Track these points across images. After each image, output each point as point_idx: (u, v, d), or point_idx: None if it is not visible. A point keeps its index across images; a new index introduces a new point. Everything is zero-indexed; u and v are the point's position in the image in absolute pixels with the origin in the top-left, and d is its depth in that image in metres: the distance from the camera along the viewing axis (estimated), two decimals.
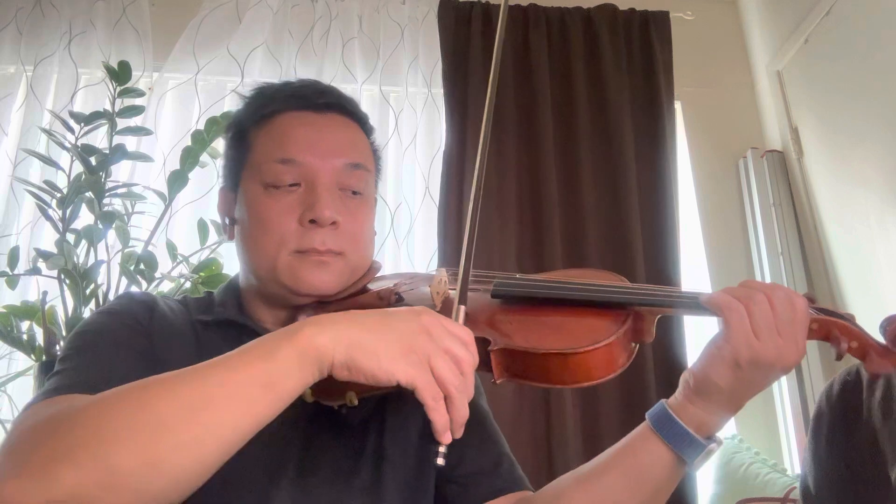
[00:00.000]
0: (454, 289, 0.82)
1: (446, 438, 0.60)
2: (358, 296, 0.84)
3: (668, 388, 0.73)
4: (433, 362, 0.59)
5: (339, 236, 0.81)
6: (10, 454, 0.55)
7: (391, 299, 0.83)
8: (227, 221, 0.89)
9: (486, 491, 0.82)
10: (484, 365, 0.72)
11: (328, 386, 0.75)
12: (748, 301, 0.67)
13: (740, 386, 0.68)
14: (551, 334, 0.72)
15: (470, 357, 0.61)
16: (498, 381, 0.72)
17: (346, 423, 0.79)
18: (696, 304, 0.72)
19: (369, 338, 0.60)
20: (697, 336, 2.11)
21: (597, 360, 0.69)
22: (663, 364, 2.01)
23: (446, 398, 0.59)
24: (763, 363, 0.66)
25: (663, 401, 0.72)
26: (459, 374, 0.60)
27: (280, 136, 0.84)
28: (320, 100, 0.87)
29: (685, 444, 0.69)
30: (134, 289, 1.57)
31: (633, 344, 0.74)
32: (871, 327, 0.71)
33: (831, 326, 0.70)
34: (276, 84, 0.91)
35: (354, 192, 0.85)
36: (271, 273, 0.81)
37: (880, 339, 0.69)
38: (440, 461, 0.61)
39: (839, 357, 0.70)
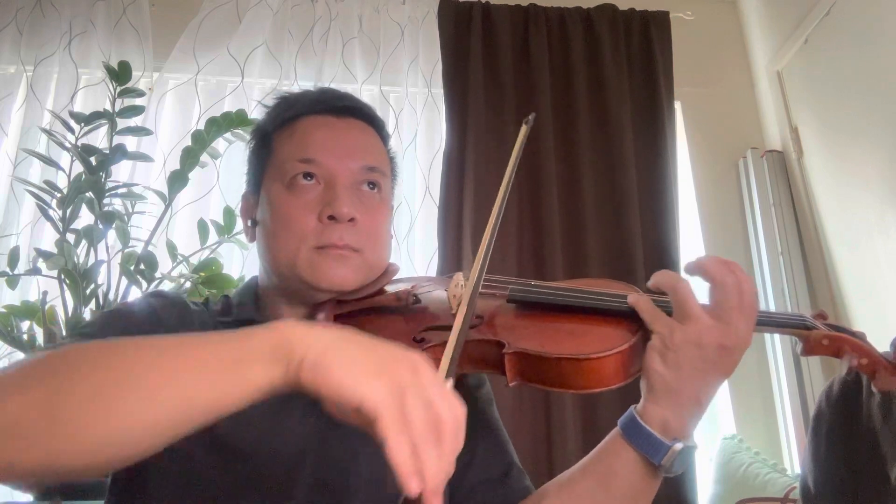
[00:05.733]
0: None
1: (412, 487, 0.47)
2: (376, 296, 0.86)
3: None
4: (407, 399, 0.49)
5: (356, 233, 0.84)
6: None
7: (409, 300, 0.84)
8: (248, 224, 0.92)
9: (492, 501, 0.82)
10: (498, 368, 0.73)
11: None
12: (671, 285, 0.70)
13: (684, 373, 0.68)
14: (565, 340, 0.73)
15: (453, 422, 0.50)
16: (511, 384, 0.73)
17: None
18: None
19: (349, 348, 0.53)
20: None
21: (608, 367, 0.70)
22: None
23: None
24: (692, 343, 0.67)
25: (633, 406, 0.73)
26: (435, 432, 0.49)
27: (301, 137, 0.87)
28: (339, 104, 0.92)
29: (649, 446, 0.69)
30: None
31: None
32: (872, 328, 0.72)
33: (842, 343, 0.71)
34: (296, 92, 0.95)
35: (371, 188, 0.88)
36: (292, 269, 0.83)
37: (889, 355, 0.69)
38: None
39: (850, 372, 0.70)
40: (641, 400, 0.72)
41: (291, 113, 0.90)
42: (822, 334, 0.70)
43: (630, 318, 0.74)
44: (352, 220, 0.83)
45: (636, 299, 0.73)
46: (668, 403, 0.69)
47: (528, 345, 0.72)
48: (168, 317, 0.81)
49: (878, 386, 0.69)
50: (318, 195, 0.84)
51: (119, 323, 0.79)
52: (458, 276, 0.84)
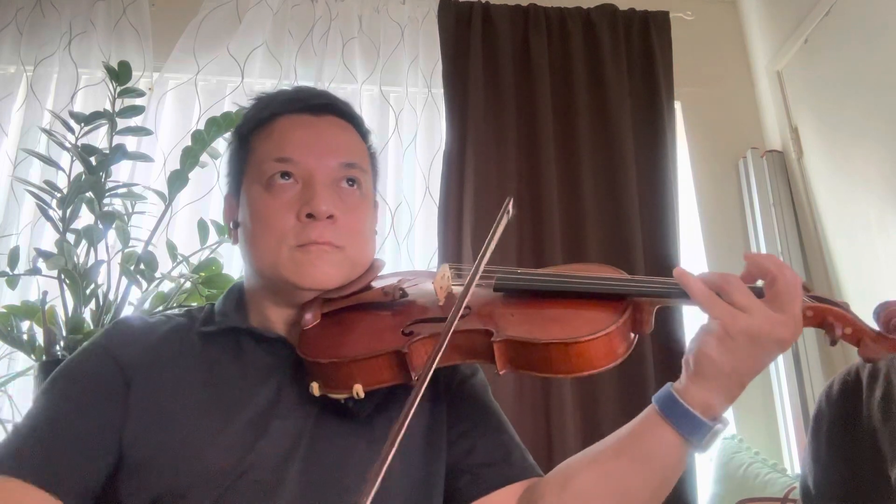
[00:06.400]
0: (458, 284, 0.83)
1: None
2: (362, 292, 0.85)
3: (667, 381, 0.73)
4: None
5: (336, 230, 0.83)
6: None
7: (395, 295, 0.84)
8: (231, 226, 0.91)
9: (497, 480, 0.82)
10: (487, 357, 0.73)
11: (335, 377, 0.75)
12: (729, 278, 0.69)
13: (736, 360, 0.67)
14: (552, 325, 0.73)
15: None
16: (501, 372, 0.73)
17: (354, 416, 0.79)
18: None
19: None
20: (697, 329, 2.11)
21: (597, 350, 0.70)
22: (662, 357, 2.01)
23: None
24: (753, 335, 0.66)
25: (669, 384, 0.72)
26: None
27: (278, 137, 0.87)
28: (316, 102, 0.91)
29: (692, 427, 0.69)
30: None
31: (633, 334, 0.75)
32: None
33: (825, 313, 0.71)
34: (272, 92, 0.94)
35: (351, 185, 0.87)
36: (274, 269, 0.82)
37: (874, 325, 0.70)
38: None
39: (833, 343, 0.71)
40: (683, 380, 0.71)
41: (268, 112, 0.89)
42: (806, 306, 0.70)
43: (616, 301, 0.74)
44: (331, 217, 0.82)
45: (685, 277, 0.71)
46: (714, 387, 0.69)
47: (516, 332, 0.72)
48: (130, 354, 0.81)
49: (863, 353, 0.69)
50: (296, 194, 0.84)
51: (74, 389, 0.78)
52: (445, 268, 0.84)
